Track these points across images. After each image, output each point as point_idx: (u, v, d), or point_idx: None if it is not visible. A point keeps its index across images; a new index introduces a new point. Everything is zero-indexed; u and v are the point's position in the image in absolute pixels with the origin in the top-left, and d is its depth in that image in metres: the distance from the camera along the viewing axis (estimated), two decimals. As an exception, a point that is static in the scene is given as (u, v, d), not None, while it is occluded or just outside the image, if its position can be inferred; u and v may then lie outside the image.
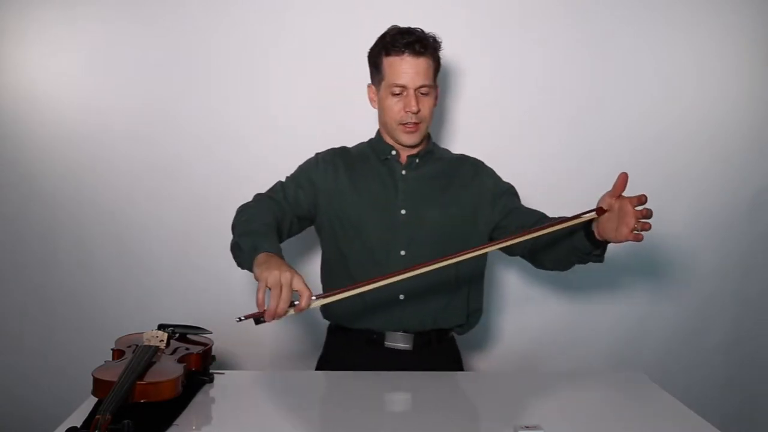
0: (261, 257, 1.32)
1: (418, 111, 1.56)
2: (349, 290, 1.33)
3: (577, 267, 2.24)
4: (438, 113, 2.00)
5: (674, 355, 2.32)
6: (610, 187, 2.17)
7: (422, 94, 1.57)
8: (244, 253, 1.39)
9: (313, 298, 1.28)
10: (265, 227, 1.45)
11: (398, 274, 1.33)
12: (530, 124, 2.17)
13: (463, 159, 1.76)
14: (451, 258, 1.34)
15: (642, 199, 1.27)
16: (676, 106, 2.21)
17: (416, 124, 1.59)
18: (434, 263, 1.34)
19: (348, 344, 1.66)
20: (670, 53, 2.18)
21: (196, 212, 2.16)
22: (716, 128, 2.23)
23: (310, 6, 2.09)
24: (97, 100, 2.11)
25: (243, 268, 1.44)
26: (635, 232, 1.26)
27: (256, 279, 1.28)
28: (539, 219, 1.58)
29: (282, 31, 2.09)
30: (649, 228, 1.25)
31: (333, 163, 1.68)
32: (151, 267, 2.18)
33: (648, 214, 1.26)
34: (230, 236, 2.13)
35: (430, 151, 1.69)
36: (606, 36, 2.15)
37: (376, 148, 1.70)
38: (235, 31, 2.09)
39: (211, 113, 2.12)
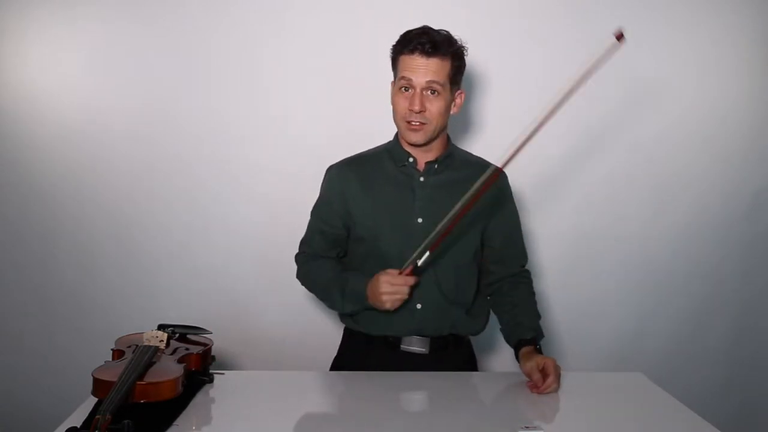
0: (370, 300, 1.55)
1: (422, 110, 1.53)
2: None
3: (578, 267, 2.27)
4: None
5: (674, 355, 2.32)
6: (609, 187, 2.21)
7: (431, 93, 1.53)
8: (356, 306, 1.62)
9: (420, 260, 1.48)
10: (341, 277, 1.64)
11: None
12: (530, 123, 2.17)
13: (486, 167, 1.68)
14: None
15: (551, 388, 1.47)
16: (676, 106, 2.21)
17: (422, 123, 1.54)
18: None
19: (364, 347, 1.66)
20: (670, 53, 2.18)
21: (196, 212, 2.16)
22: (716, 128, 2.23)
23: (310, 6, 2.09)
24: (97, 100, 2.11)
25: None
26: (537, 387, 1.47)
27: (383, 306, 1.53)
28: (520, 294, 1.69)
29: (282, 31, 2.10)
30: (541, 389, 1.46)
31: (345, 177, 1.66)
32: (151, 267, 2.18)
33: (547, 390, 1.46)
34: (231, 237, 2.17)
35: (449, 155, 1.65)
36: (606, 36, 2.15)
37: (393, 154, 1.66)
38: (235, 31, 2.09)
39: (211, 113, 2.12)
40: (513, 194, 1.73)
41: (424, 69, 1.52)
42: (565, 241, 2.24)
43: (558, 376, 1.46)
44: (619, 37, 1.35)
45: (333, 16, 2.09)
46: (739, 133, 2.24)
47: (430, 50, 1.51)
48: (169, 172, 2.14)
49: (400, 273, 1.50)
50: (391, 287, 1.49)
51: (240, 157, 2.14)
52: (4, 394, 2.23)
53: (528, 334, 1.58)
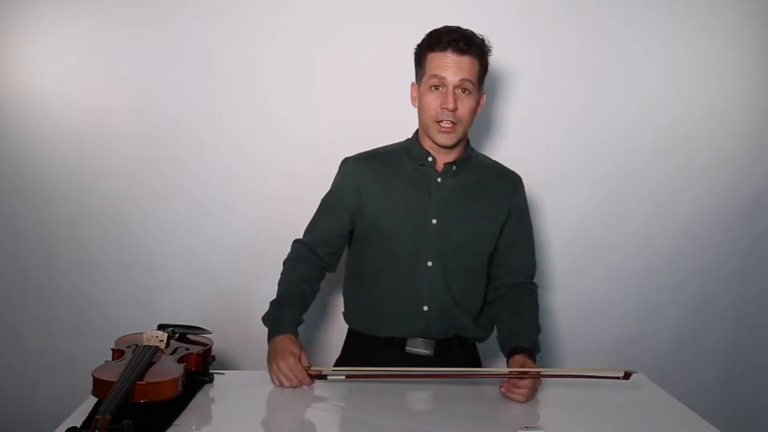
0: (270, 345, 1.51)
1: (455, 109, 1.50)
2: (369, 371, 1.48)
3: (578, 267, 2.27)
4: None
5: (674, 355, 2.32)
6: (609, 187, 2.21)
7: (462, 92, 1.51)
8: (268, 328, 1.57)
9: (331, 376, 1.48)
10: (286, 297, 1.60)
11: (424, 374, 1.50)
12: (530, 123, 2.17)
13: (505, 172, 1.70)
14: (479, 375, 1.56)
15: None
16: (676, 106, 2.21)
17: (453, 124, 1.52)
18: (458, 374, 1.52)
19: (368, 347, 1.65)
20: (669, 53, 2.18)
21: (196, 212, 2.15)
22: (716, 128, 2.23)
23: (309, 7, 2.09)
24: (96, 100, 2.10)
25: None
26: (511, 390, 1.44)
27: (268, 365, 1.49)
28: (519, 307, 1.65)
29: (282, 30, 2.09)
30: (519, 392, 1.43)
31: (361, 171, 1.64)
32: (150, 267, 2.18)
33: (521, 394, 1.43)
34: (231, 237, 2.17)
35: (468, 158, 1.63)
36: (606, 36, 2.15)
37: (411, 152, 1.64)
38: (235, 31, 2.09)
39: (211, 113, 2.12)
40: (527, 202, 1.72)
41: (456, 67, 1.50)
42: (565, 241, 2.24)
43: (533, 390, 1.43)
44: (627, 376, 1.43)
45: (333, 15, 2.08)
46: (739, 132, 2.24)
47: (464, 47, 1.50)
48: (169, 171, 2.14)
49: (308, 370, 1.45)
50: (287, 371, 1.44)
51: (240, 157, 2.13)
52: (4, 394, 2.22)
53: (525, 344, 1.55)
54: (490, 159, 1.74)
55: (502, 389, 1.43)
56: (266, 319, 1.58)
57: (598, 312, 2.29)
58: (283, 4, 2.08)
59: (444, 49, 1.50)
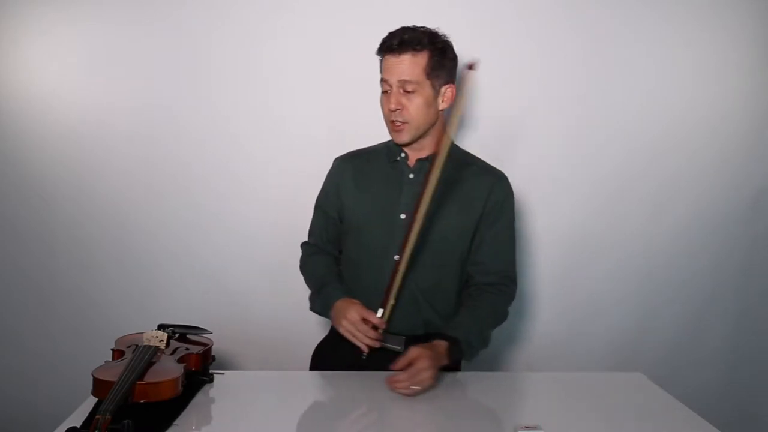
0: (332, 315, 1.60)
1: (397, 109, 1.54)
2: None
3: (578, 267, 2.27)
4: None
5: (674, 355, 2.32)
6: (609, 187, 2.21)
7: (408, 91, 1.53)
8: (322, 310, 1.67)
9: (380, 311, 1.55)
10: (325, 279, 1.68)
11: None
12: (530, 124, 2.17)
13: (485, 169, 1.69)
14: None
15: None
16: (676, 106, 2.21)
17: (403, 123, 1.55)
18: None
19: (345, 339, 1.64)
20: (669, 53, 2.18)
21: (197, 212, 2.16)
22: (716, 128, 2.23)
23: (309, 7, 2.09)
24: (97, 99, 2.11)
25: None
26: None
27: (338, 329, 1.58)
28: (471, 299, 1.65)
29: (282, 30, 2.10)
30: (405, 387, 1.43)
31: (342, 170, 1.72)
32: (151, 267, 2.18)
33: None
34: (231, 237, 2.17)
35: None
36: (606, 36, 2.15)
37: (389, 150, 1.69)
38: (235, 31, 2.09)
39: (211, 113, 2.12)
40: (515, 202, 1.69)
41: (395, 68, 1.54)
42: (565, 241, 2.24)
43: (426, 380, 1.41)
44: (471, 66, 1.46)
45: (333, 15, 2.09)
46: (739, 132, 2.24)
47: (396, 48, 1.53)
48: (169, 171, 2.14)
49: (371, 321, 1.53)
50: (349, 326, 1.53)
51: (240, 156, 2.14)
52: (4, 394, 2.23)
53: (452, 333, 1.51)
54: (474, 156, 1.72)
55: (388, 385, 1.43)
56: (315, 304, 1.68)
57: (598, 312, 2.29)
58: (283, 4, 2.09)
59: (384, 53, 1.56)
